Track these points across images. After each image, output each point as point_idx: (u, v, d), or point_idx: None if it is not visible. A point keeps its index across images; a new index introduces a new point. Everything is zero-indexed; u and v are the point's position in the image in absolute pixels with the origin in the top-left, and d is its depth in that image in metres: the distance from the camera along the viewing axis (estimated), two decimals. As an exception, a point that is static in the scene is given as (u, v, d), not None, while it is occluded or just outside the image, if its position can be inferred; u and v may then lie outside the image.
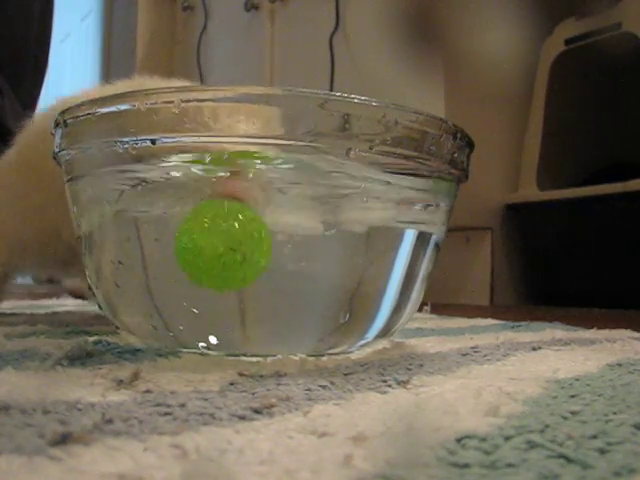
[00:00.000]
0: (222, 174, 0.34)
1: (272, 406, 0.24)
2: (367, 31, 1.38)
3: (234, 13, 1.74)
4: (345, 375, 0.32)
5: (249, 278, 0.33)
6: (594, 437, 0.21)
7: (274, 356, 0.35)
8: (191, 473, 0.17)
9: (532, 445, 0.20)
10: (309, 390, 0.28)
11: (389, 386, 0.29)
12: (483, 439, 0.20)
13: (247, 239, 0.32)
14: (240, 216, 0.32)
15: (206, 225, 0.32)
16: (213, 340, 0.36)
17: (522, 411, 0.24)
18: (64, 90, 1.56)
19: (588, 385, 0.30)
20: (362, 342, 0.39)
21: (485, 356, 0.39)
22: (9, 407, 0.22)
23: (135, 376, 0.29)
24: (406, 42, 1.25)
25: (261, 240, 0.32)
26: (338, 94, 0.34)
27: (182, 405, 0.24)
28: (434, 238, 0.41)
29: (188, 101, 0.33)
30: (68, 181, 0.40)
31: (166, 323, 0.37)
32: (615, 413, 0.24)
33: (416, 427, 0.22)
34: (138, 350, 0.37)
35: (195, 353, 0.36)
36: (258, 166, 0.34)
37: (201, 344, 0.36)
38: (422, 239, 0.40)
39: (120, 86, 0.51)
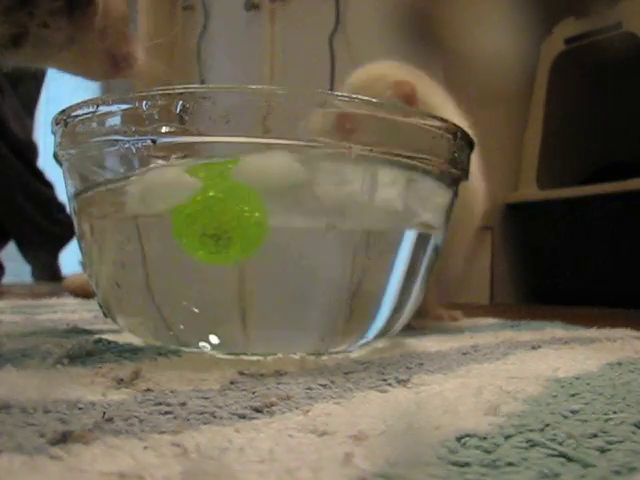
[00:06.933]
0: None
1: (272, 405, 0.24)
2: (367, 31, 1.38)
3: (234, 13, 1.74)
4: (345, 374, 0.32)
5: (233, 257, 0.34)
6: (594, 436, 0.21)
7: (274, 355, 0.35)
8: (191, 472, 0.17)
9: (532, 444, 0.20)
10: (309, 389, 0.28)
11: (389, 385, 0.29)
12: (483, 438, 0.20)
13: (232, 223, 0.34)
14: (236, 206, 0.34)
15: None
16: (214, 339, 0.36)
17: (522, 410, 0.24)
18: (64, 89, 1.55)
19: (588, 384, 0.30)
20: (362, 341, 0.39)
21: (485, 355, 0.39)
22: (9, 406, 0.22)
23: (135, 375, 0.29)
24: (406, 42, 1.25)
25: (247, 225, 0.34)
26: (338, 94, 0.34)
27: (182, 404, 0.24)
28: (434, 238, 0.41)
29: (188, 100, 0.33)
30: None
31: (167, 322, 0.37)
32: (615, 412, 0.24)
33: (416, 426, 0.22)
34: (138, 349, 0.37)
35: (196, 352, 0.36)
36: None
37: (202, 343, 0.36)
38: (422, 239, 0.40)
39: None
